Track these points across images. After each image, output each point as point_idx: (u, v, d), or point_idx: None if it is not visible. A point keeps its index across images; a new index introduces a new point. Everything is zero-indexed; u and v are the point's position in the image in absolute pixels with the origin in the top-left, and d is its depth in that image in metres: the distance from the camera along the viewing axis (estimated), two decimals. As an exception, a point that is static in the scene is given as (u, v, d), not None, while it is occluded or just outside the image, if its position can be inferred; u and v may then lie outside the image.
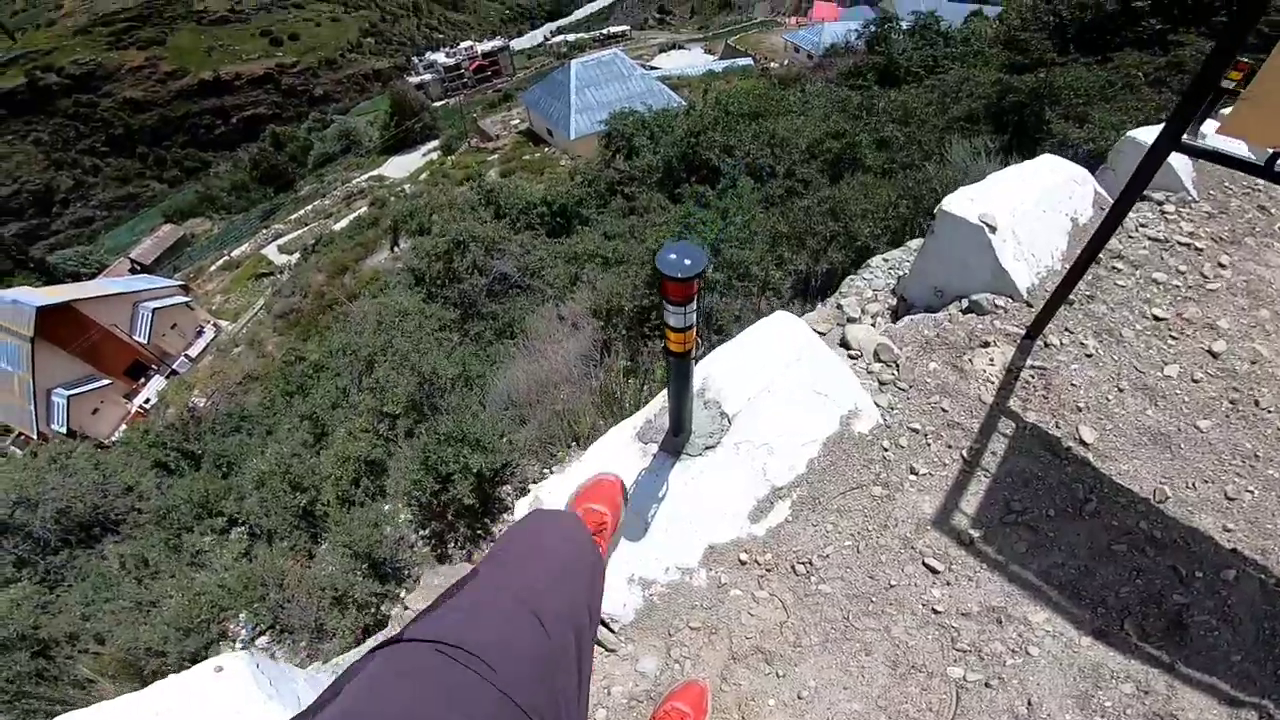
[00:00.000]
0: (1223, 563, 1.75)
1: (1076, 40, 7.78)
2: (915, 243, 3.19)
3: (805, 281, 4.08)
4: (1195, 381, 2.15)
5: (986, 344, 2.28)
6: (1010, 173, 2.69)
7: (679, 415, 1.71)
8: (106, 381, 23.60)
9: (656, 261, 1.17)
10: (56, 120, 71.17)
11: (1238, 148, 1.57)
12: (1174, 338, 2.29)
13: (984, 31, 11.56)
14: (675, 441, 1.84)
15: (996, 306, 2.37)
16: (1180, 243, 2.71)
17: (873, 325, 2.61)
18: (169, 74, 77.02)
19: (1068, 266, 2.03)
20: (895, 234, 3.95)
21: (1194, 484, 1.90)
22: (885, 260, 3.03)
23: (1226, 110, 1.46)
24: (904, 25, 12.80)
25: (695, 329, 1.34)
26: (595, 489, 1.58)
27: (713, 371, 2.00)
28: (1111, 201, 2.86)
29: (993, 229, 2.31)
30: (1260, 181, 2.96)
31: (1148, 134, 2.91)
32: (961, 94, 7.07)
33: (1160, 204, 2.94)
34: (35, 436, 21.13)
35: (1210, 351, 2.24)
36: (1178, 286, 2.49)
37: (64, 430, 21.11)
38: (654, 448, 1.90)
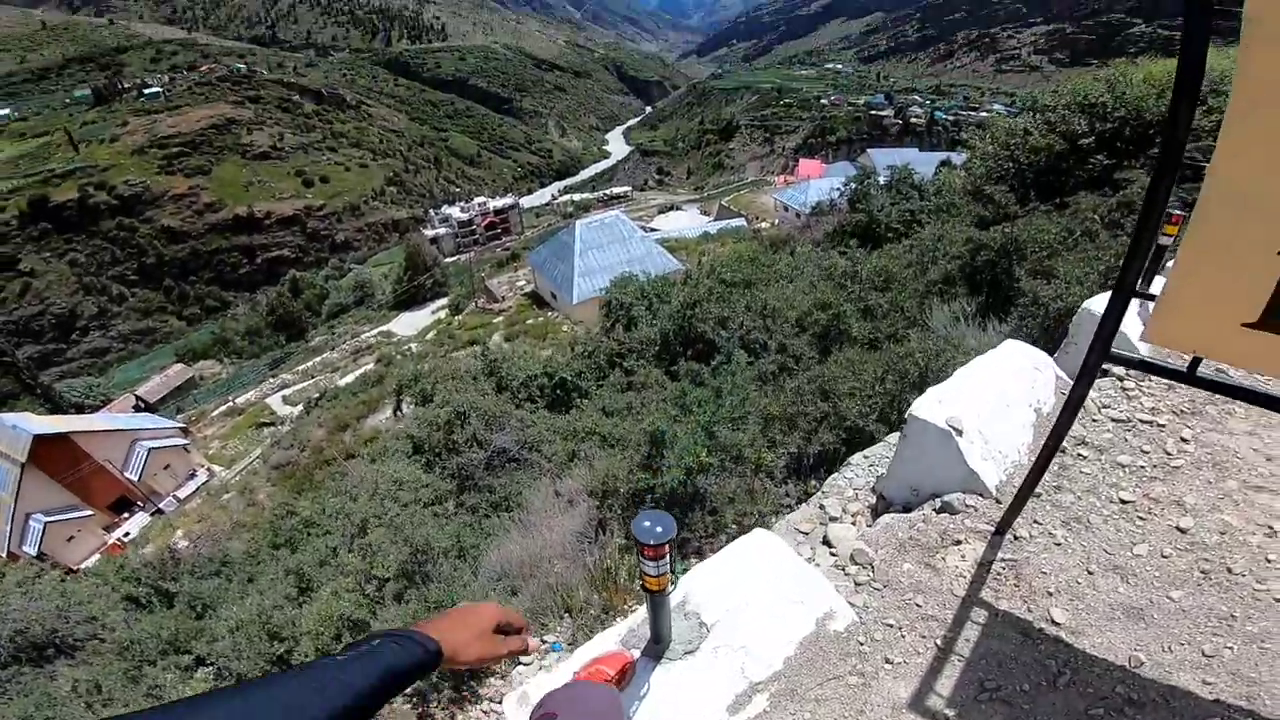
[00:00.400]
0: (1205, 713, 1.73)
1: (1035, 186, 8.34)
2: (893, 437, 3.35)
3: (799, 460, 4.22)
4: (1165, 557, 2.20)
5: (959, 541, 2.37)
6: (976, 366, 2.91)
7: (658, 630, 1.91)
8: (88, 513, 23.72)
9: (633, 528, 1.53)
10: (96, 242, 74.52)
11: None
12: (1141, 519, 2.36)
13: (953, 182, 12.49)
14: (656, 648, 1.98)
15: (967, 506, 2.48)
16: (1142, 420, 2.83)
17: (853, 524, 2.73)
18: (207, 205, 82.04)
19: (1033, 459, 2.16)
20: (883, 411, 4.13)
21: (1170, 647, 1.91)
22: (865, 457, 3.20)
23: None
24: (881, 180, 13.90)
25: (669, 574, 1.63)
26: (609, 658, 1.86)
27: (693, 587, 2.13)
28: (1071, 385, 3.06)
29: (959, 432, 2.48)
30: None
31: (1101, 303, 3.12)
32: (938, 254, 7.61)
33: (1121, 379, 3.08)
34: (4, 555, 21.01)
35: (1178, 528, 2.30)
36: (1143, 467, 2.58)
37: (34, 553, 21.04)
38: (637, 651, 2.00)
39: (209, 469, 26.78)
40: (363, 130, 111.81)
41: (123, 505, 25.12)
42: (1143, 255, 1.52)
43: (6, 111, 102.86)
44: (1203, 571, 2.13)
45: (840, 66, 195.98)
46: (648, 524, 1.53)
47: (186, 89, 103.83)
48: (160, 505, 24.75)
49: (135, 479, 24.99)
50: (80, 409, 38.85)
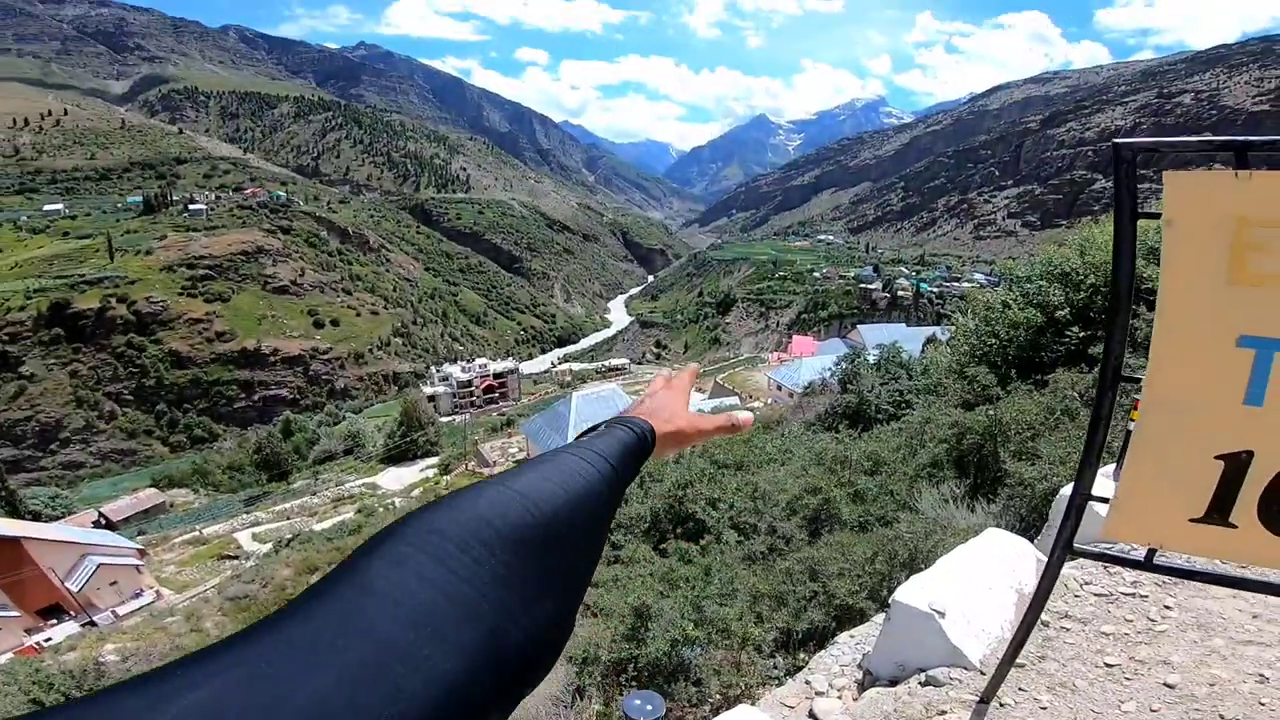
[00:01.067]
0: None
1: (1016, 363, 8.51)
2: (880, 617, 3.44)
3: (787, 635, 4.22)
4: (1154, 711, 2.24)
5: (943, 712, 2.42)
6: (959, 553, 3.11)
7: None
8: (14, 614, 22.92)
9: (624, 706, 1.68)
10: (103, 355, 74.38)
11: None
12: (1128, 679, 2.42)
13: (939, 360, 13.03)
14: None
15: (951, 679, 2.56)
16: (1124, 593, 2.97)
17: (839, 699, 2.78)
18: (219, 334, 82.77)
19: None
20: (873, 590, 4.20)
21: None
22: (852, 636, 3.30)
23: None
24: (871, 359, 14.62)
25: None
26: None
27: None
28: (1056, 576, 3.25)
29: (942, 614, 2.64)
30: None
31: (1072, 491, 3.39)
32: (925, 437, 7.93)
33: (1126, 566, 3.26)
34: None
35: (1166, 684, 2.36)
36: (1127, 634, 2.69)
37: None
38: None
39: (158, 591, 26.03)
40: (379, 275, 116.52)
41: (53, 612, 24.44)
42: (1094, 463, 1.77)
43: (59, 207, 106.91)
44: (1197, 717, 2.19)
45: (831, 237, 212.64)
46: (638, 702, 1.62)
47: (228, 210, 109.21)
48: (94, 618, 23.95)
49: (75, 589, 24.46)
50: (38, 517, 37.16)
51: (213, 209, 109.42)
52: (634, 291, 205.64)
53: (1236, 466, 1.50)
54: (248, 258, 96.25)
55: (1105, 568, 3.19)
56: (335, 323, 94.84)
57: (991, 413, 6.75)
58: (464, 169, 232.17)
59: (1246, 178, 1.41)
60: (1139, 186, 1.56)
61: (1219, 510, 1.55)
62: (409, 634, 0.32)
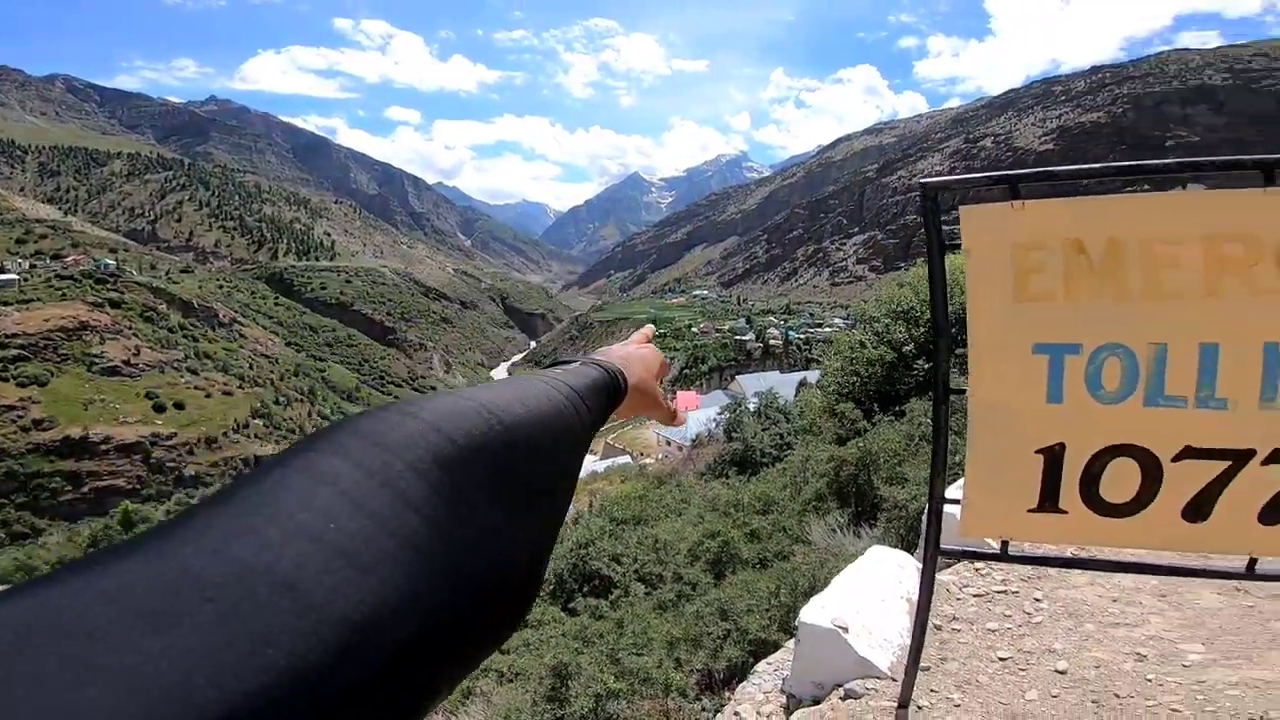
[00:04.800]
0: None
1: (878, 397, 9.35)
2: (792, 643, 3.58)
3: (709, 676, 4.27)
4: (1055, 696, 2.46)
5: None
6: (850, 572, 3.32)
7: None
8: None
9: None
10: None
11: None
12: (1022, 669, 2.65)
13: (812, 402, 13.89)
14: None
15: (868, 689, 2.69)
16: (997, 591, 3.29)
17: None
18: (35, 422, 72.33)
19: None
20: (782, 621, 4.36)
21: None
22: (769, 664, 3.39)
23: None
24: (751, 406, 15.59)
25: None
26: None
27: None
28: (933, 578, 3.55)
29: (845, 630, 2.80)
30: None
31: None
32: (807, 474, 8.51)
33: (974, 562, 3.59)
34: None
35: (1057, 670, 2.61)
36: (1009, 629, 2.96)
37: None
38: None
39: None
40: (232, 352, 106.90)
41: None
42: (941, 470, 1.99)
43: None
44: (1094, 701, 2.41)
45: (706, 292, 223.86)
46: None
47: (45, 280, 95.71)
48: None
49: None
50: None
51: (26, 279, 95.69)
52: (517, 358, 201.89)
53: (1053, 458, 1.73)
54: (69, 335, 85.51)
55: (977, 569, 3.51)
56: (180, 405, 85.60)
57: (862, 444, 7.37)
58: (328, 234, 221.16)
59: (1020, 208, 1.70)
60: (956, 226, 1.81)
61: (1049, 499, 1.78)
62: (322, 578, 0.23)
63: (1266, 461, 1.51)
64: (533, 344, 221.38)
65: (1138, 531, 1.69)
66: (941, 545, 2.13)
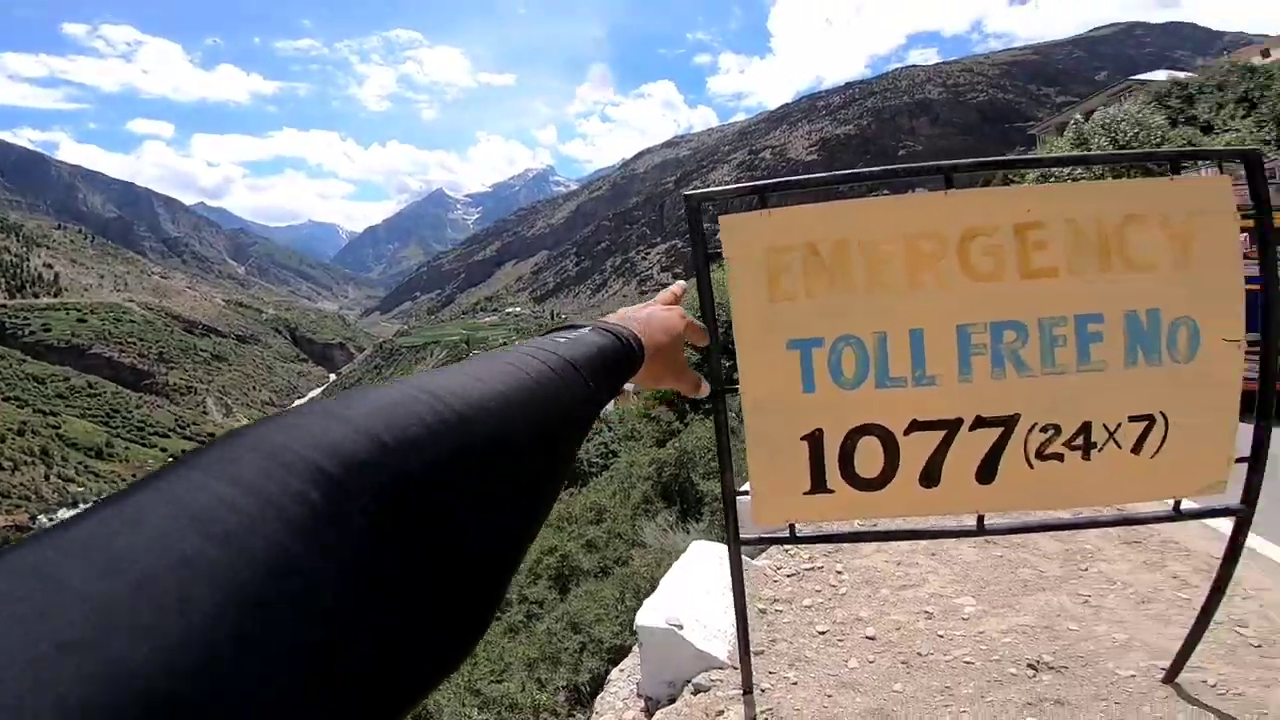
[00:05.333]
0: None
1: (689, 399, 10.19)
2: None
3: (576, 691, 4.27)
4: (871, 662, 2.74)
5: (720, 712, 2.63)
6: (676, 570, 3.46)
7: None
8: None
9: None
10: None
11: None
12: (840, 640, 2.93)
13: (630, 409, 14.21)
14: None
15: (714, 681, 2.81)
16: (807, 569, 3.61)
17: None
18: None
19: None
20: (633, 625, 4.46)
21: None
22: (621, 670, 3.43)
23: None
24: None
25: None
26: None
27: None
28: (749, 564, 3.81)
29: (680, 627, 2.90)
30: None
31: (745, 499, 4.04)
32: (633, 478, 8.83)
33: (784, 543, 3.92)
34: None
35: (868, 637, 2.92)
36: (822, 604, 3.26)
37: None
38: None
39: None
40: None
41: None
42: (728, 466, 2.13)
43: None
44: (904, 662, 2.70)
45: (519, 309, 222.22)
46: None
47: None
48: None
49: None
50: None
51: None
52: (315, 393, 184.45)
53: (815, 443, 1.92)
54: None
55: (787, 551, 3.82)
56: None
57: (678, 445, 7.76)
58: (49, 265, 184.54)
59: (769, 215, 1.86)
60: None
61: (818, 481, 1.97)
62: (115, 636, 0.17)
63: (973, 427, 1.80)
64: (332, 376, 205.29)
65: (890, 501, 1.93)
66: (740, 536, 2.27)
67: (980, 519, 1.98)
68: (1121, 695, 2.35)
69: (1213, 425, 1.73)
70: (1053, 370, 1.73)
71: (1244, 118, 18.51)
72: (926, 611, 3.07)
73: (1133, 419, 1.72)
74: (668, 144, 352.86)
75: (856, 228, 1.80)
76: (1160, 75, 36.01)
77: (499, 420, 0.33)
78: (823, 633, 3.01)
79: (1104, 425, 1.74)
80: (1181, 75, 30.98)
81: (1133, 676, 2.45)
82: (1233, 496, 1.92)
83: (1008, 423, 1.76)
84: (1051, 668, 2.55)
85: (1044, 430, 1.76)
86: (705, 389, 0.74)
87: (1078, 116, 27.71)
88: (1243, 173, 1.83)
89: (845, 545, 3.73)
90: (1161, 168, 2.08)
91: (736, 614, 2.42)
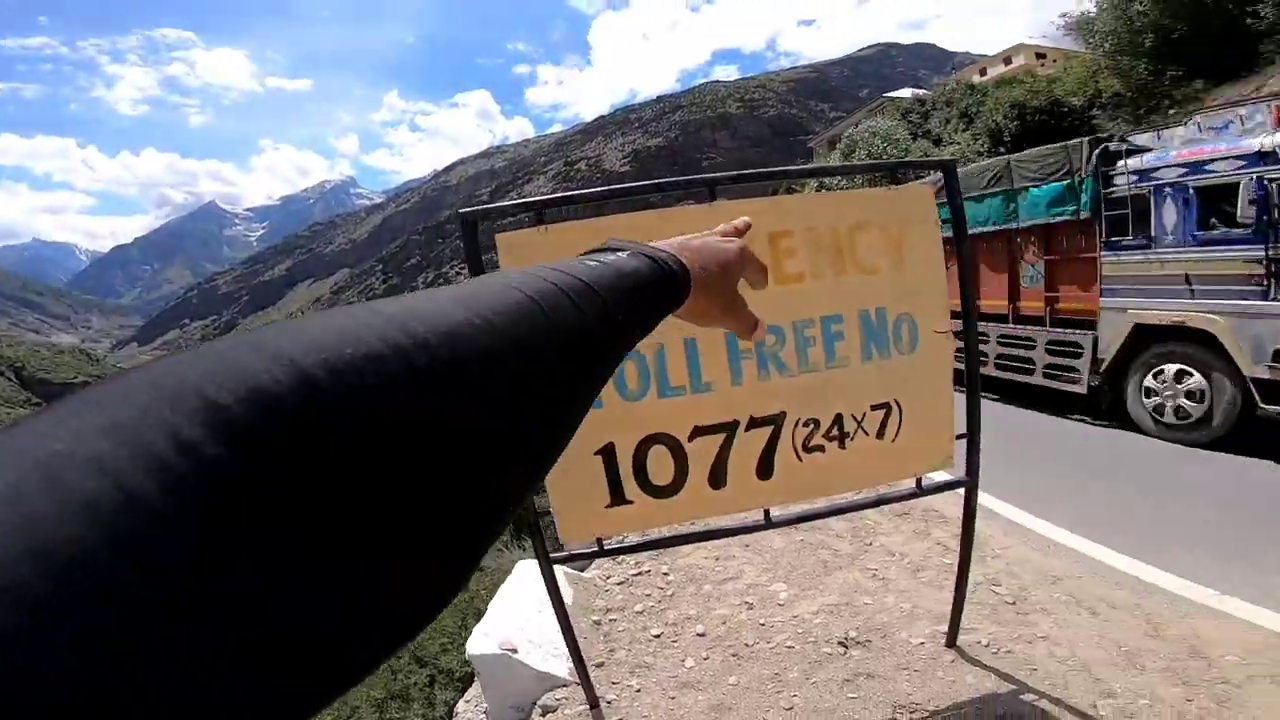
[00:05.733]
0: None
1: None
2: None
3: None
4: (706, 659, 2.85)
5: None
6: (503, 592, 3.38)
7: None
8: None
9: None
10: None
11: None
12: (674, 641, 3.03)
13: None
14: None
15: (559, 700, 2.76)
16: (635, 575, 3.70)
17: None
18: None
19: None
20: None
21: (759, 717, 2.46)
22: (468, 701, 3.27)
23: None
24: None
25: None
26: None
27: None
28: (580, 577, 3.82)
29: (514, 651, 2.82)
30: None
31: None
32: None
33: (589, 558, 3.96)
34: None
35: (699, 634, 3.03)
36: (653, 607, 3.34)
37: None
38: None
39: None
40: None
41: None
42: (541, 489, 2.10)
43: None
44: (734, 655, 2.82)
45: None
46: None
47: None
48: None
49: None
50: None
51: None
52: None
53: (609, 457, 1.97)
54: None
55: (615, 560, 3.86)
56: None
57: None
58: None
59: (546, 232, 1.86)
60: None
61: (617, 494, 2.03)
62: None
63: (748, 428, 1.95)
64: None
65: (685, 506, 2.03)
66: (550, 554, 2.24)
67: (766, 513, 2.14)
68: (919, 663, 2.65)
69: (935, 408, 2.04)
70: (808, 369, 1.94)
71: (964, 131, 22.08)
72: (747, 602, 3.29)
73: (874, 408, 1.98)
74: (483, 155, 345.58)
75: (630, 240, 1.85)
76: (906, 93, 42.44)
77: (478, 351, 0.27)
78: (657, 636, 3.10)
79: (853, 416, 1.98)
80: (922, 93, 36.57)
81: (922, 644, 2.77)
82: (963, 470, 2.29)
83: (776, 421, 1.94)
84: (858, 643, 2.83)
85: (806, 425, 1.96)
86: (762, 331, 0.66)
87: (851, 130, 31.66)
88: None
89: (670, 546, 3.90)
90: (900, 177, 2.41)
91: (563, 633, 2.41)
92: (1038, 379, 6.82)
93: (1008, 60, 48.39)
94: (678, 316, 0.53)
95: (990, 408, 6.74)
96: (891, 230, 1.97)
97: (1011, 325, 7.24)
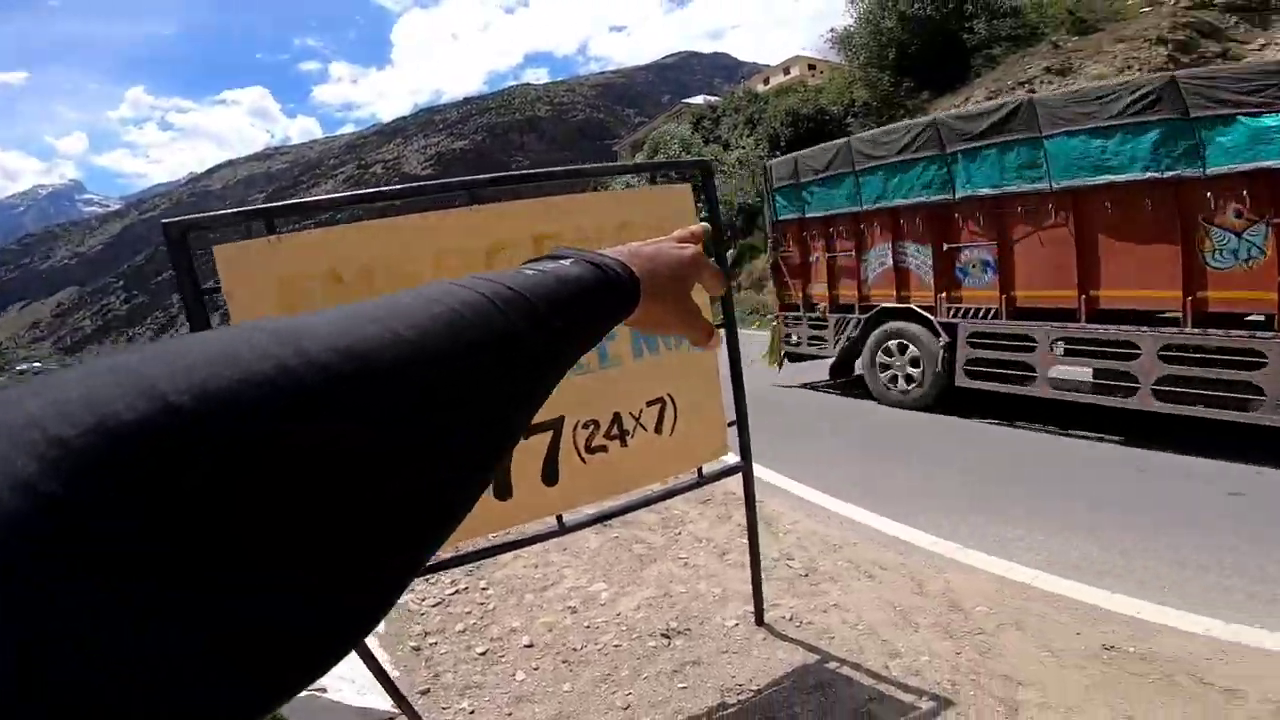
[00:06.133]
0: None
1: None
2: None
3: None
4: (537, 669, 2.80)
5: None
6: None
7: None
8: None
9: None
10: None
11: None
12: (502, 656, 2.95)
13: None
14: None
15: None
16: (453, 594, 3.58)
17: None
18: None
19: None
20: None
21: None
22: None
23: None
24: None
25: None
26: None
27: None
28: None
29: (323, 690, 2.58)
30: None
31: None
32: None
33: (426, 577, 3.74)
34: None
35: (527, 645, 2.98)
36: (475, 624, 3.24)
37: None
38: None
39: None
40: None
41: None
42: None
43: None
44: (564, 662, 2.81)
45: (39, 364, 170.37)
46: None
47: None
48: None
49: None
50: None
51: None
52: None
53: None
54: None
55: (429, 580, 3.68)
56: None
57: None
58: None
59: (278, 241, 1.66)
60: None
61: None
62: None
63: (528, 435, 1.92)
64: None
65: (472, 521, 1.93)
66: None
67: (559, 518, 2.13)
68: (736, 645, 2.81)
69: (706, 400, 2.17)
70: (582, 371, 1.96)
71: (749, 136, 24.28)
72: (571, 606, 3.28)
73: (650, 404, 2.06)
74: (257, 156, 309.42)
75: (382, 249, 1.73)
76: (700, 100, 45.57)
77: (385, 366, 0.26)
78: (483, 653, 3.01)
79: (630, 413, 2.04)
80: (714, 100, 39.51)
81: (736, 625, 2.95)
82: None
83: (555, 425, 1.93)
84: (680, 632, 2.94)
85: (585, 426, 1.98)
86: (718, 340, 0.65)
87: (654, 134, 33.22)
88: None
89: (485, 562, 3.77)
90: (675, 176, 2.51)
91: (366, 662, 2.23)
92: None
93: (787, 70, 53.58)
94: (630, 325, 0.54)
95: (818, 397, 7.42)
96: (656, 229, 2.05)
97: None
